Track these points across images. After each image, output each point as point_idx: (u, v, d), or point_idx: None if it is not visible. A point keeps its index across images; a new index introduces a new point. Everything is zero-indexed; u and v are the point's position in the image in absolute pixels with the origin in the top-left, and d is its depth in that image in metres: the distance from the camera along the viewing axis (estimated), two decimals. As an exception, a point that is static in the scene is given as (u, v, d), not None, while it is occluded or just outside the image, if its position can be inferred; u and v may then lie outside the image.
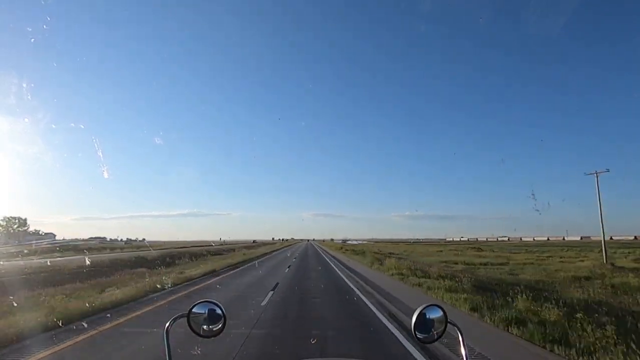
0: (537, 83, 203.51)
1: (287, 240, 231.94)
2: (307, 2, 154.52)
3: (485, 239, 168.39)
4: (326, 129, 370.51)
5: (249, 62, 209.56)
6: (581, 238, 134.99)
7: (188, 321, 1.45)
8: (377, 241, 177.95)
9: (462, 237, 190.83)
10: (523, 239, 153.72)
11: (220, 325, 1.48)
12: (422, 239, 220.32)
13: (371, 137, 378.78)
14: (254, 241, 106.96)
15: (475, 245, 65.58)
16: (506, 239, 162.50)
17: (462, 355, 1.38)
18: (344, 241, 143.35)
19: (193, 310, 1.46)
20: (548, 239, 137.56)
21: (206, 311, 1.47)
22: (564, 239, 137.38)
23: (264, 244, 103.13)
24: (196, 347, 4.83)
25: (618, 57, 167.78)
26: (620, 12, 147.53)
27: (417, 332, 1.41)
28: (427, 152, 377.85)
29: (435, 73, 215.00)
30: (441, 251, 46.41)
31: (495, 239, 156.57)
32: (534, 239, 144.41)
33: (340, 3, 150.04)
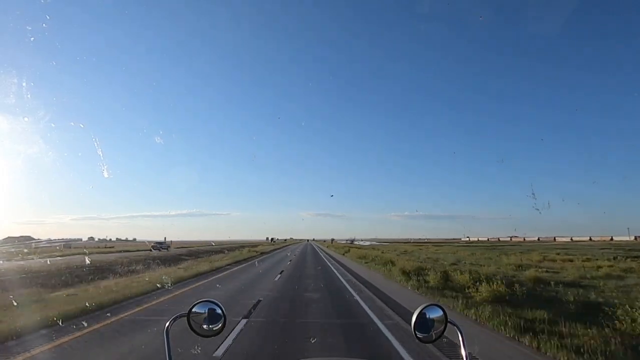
0: (536, 82, 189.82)
1: (285, 240, 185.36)
2: (307, 3, 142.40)
3: (509, 239, 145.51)
4: (326, 129, 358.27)
5: (248, 62, 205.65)
6: (636, 238, 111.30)
7: (188, 321, 1.41)
8: (379, 241, 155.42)
9: (467, 237, 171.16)
10: (557, 239, 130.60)
11: (220, 325, 1.44)
12: (425, 239, 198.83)
13: (371, 137, 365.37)
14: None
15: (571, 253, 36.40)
16: (536, 239, 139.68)
17: (462, 356, 1.37)
18: (351, 241, 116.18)
19: (193, 309, 1.42)
20: (590, 239, 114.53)
21: (206, 311, 1.43)
22: (611, 239, 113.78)
23: (243, 245, 65.76)
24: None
25: (618, 56, 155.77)
26: (620, 11, 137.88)
27: (416, 332, 1.40)
28: (427, 152, 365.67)
29: (435, 72, 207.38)
30: (590, 266, 21.96)
31: (522, 239, 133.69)
32: (571, 239, 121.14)
33: (339, 3, 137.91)
